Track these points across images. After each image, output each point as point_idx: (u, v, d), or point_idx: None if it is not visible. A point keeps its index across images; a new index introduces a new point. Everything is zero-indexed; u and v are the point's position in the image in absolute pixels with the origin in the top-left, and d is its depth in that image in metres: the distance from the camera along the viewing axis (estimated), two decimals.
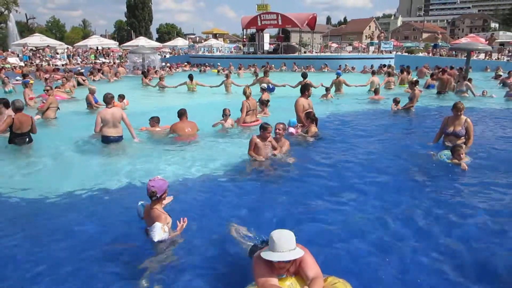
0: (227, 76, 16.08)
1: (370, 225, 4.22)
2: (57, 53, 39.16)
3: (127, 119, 7.57)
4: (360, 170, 6.00)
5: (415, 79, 12.57)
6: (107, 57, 40.78)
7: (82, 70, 21.66)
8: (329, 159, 6.58)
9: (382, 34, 32.52)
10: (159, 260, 3.56)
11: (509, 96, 13.21)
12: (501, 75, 20.83)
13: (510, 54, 33.76)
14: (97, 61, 37.38)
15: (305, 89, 8.67)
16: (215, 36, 60.57)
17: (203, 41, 63.05)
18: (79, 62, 36.18)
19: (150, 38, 75.67)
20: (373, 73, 17.24)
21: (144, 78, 17.89)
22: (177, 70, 28.27)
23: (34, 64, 30.50)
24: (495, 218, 4.30)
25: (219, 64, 29.46)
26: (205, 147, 7.45)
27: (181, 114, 8.09)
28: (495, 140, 7.84)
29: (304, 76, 14.90)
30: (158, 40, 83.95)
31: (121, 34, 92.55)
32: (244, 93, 9.05)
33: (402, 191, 5.16)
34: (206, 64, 29.72)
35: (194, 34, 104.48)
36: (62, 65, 32.96)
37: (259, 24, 32.07)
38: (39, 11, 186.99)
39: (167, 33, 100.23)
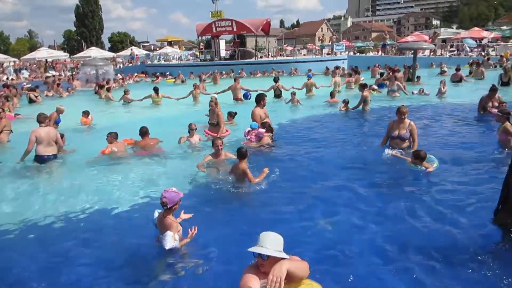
0: (195, 86, 15.78)
1: (336, 235, 4.39)
2: (2, 67, 37.09)
3: (60, 139, 7.72)
4: (313, 178, 6.18)
5: (363, 82, 13.15)
6: (57, 70, 39.08)
7: (29, 85, 20.70)
8: (285, 168, 6.64)
9: (334, 36, 33.67)
10: (170, 268, 3.81)
11: (440, 93, 13.90)
12: (445, 71, 22.18)
13: (452, 49, 36.02)
14: (47, 74, 35.78)
15: (260, 99, 8.88)
16: (170, 43, 59.99)
17: (158, 49, 62.17)
18: (26, 76, 34.38)
19: (102, 47, 73.56)
20: (334, 74, 17.78)
21: (107, 92, 17.16)
22: (129, 81, 27.00)
23: None
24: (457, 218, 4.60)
25: (168, 73, 29.15)
26: (169, 164, 7.34)
27: (144, 133, 8.19)
28: (438, 137, 8.30)
29: (276, 80, 15.28)
30: (110, 49, 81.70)
31: (71, 44, 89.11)
32: (215, 102, 9.00)
33: (357, 197, 5.36)
34: (157, 73, 29.06)
35: (148, 42, 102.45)
36: (7, 79, 31.29)
37: (214, 31, 32.10)
38: None
39: (120, 41, 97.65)
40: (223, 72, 27.14)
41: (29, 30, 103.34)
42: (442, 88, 13.78)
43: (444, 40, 42.84)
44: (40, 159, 7.35)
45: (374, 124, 10.23)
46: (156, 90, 15.28)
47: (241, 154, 5.82)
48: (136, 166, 7.26)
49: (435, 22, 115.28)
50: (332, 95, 13.44)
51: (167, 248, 3.81)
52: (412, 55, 21.01)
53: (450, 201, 5.02)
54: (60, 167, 7.48)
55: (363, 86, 11.98)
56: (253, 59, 32.25)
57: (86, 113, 11.37)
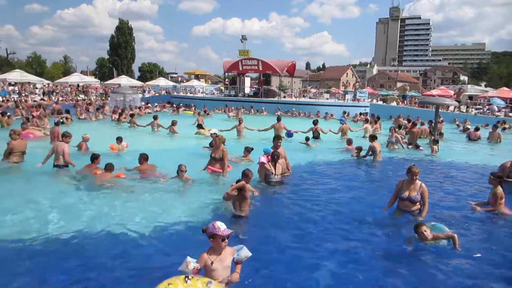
0: (239, 121, 16.29)
1: None
2: (36, 88, 38.76)
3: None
4: (311, 224, 6.13)
5: (372, 134, 13.25)
6: (86, 95, 40.39)
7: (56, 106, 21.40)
8: (290, 209, 6.80)
9: (358, 83, 33.94)
10: None
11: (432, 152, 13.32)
12: (469, 128, 21.81)
13: (478, 107, 35.50)
14: (78, 98, 37.16)
15: (274, 140, 9.31)
16: (197, 76, 61.74)
17: (185, 81, 64.08)
18: (59, 98, 35.67)
19: (132, 76, 76.39)
20: (367, 120, 18.75)
21: (155, 119, 17.08)
22: (146, 110, 26.08)
23: (12, 100, 30.01)
24: None
25: (181, 104, 29.89)
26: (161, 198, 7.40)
27: (144, 159, 9.06)
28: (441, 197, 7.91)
29: (315, 122, 16.10)
30: (139, 78, 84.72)
31: (103, 71, 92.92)
32: (219, 139, 9.16)
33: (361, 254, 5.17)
34: (181, 104, 29.75)
35: (176, 73, 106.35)
36: (41, 99, 32.67)
37: (241, 68, 32.99)
38: (20, 46, 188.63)
39: (149, 71, 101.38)
40: (232, 108, 27.74)
41: (65, 55, 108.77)
42: (433, 149, 13.23)
43: (470, 97, 42.38)
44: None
45: (379, 175, 10.36)
46: (200, 126, 15.87)
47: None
48: (121, 192, 7.64)
49: (463, 77, 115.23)
50: (349, 142, 13.40)
51: (178, 268, 3.79)
52: (435, 110, 20.82)
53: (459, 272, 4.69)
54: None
55: (372, 137, 12.03)
56: (276, 98, 32.70)
57: (119, 139, 11.68)
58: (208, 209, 6.69)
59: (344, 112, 25.67)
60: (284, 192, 7.96)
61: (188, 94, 37.66)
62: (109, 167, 8.22)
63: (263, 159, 8.22)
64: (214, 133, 12.27)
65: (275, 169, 8.31)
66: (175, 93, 37.71)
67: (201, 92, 39.00)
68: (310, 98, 37.99)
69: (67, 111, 18.65)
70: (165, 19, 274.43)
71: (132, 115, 18.10)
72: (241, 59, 33.57)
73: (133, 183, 8.15)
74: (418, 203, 6.39)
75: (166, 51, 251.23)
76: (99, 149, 10.82)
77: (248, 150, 10.76)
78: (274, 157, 8.32)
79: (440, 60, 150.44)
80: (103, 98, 38.35)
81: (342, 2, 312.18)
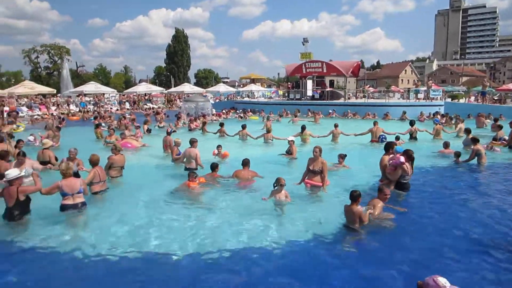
0: (335, 126, 15.71)
1: None
2: (105, 98, 41.20)
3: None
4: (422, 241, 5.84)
5: (473, 136, 12.21)
6: (152, 103, 42.20)
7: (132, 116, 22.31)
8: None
9: (431, 81, 32.38)
10: None
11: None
12: None
13: None
14: (145, 106, 39.09)
15: (389, 147, 8.70)
16: (252, 81, 62.42)
17: (242, 86, 65.06)
18: (128, 107, 37.69)
19: (189, 82, 79.09)
20: (459, 120, 18.53)
21: (243, 129, 16.46)
22: (214, 117, 26.44)
23: (91, 111, 32.17)
24: None
25: (240, 109, 30.35)
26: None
27: (245, 163, 9.28)
28: None
29: (412, 123, 16.03)
30: (196, 84, 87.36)
31: (160, 79, 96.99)
32: (319, 149, 8.60)
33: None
34: (241, 110, 30.21)
35: (228, 78, 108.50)
36: (114, 109, 34.80)
37: (304, 71, 32.85)
38: (84, 58, 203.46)
39: (204, 77, 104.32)
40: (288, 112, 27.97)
41: (125, 65, 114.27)
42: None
43: None
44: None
45: (489, 183, 9.37)
46: (303, 128, 15.09)
47: (352, 197, 6.02)
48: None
49: None
50: (446, 145, 12.66)
51: None
52: None
53: None
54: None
55: (475, 140, 11.28)
56: (341, 100, 32.11)
57: (219, 147, 12.08)
58: (315, 228, 6.28)
59: (404, 112, 24.92)
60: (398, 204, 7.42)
61: (252, 99, 38.13)
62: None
63: (403, 158, 7.78)
64: (292, 140, 12.38)
65: (412, 169, 8.00)
66: (239, 98, 38.36)
67: (258, 97, 39.32)
68: (371, 98, 36.74)
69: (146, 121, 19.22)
70: (216, 25, 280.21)
71: (221, 125, 17.91)
72: (304, 62, 33.39)
73: (233, 196, 8.09)
74: None
75: (218, 56, 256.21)
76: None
77: (342, 157, 10.50)
78: (410, 156, 7.96)
79: (509, 51, 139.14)
80: (169, 106, 40.07)
81: None
